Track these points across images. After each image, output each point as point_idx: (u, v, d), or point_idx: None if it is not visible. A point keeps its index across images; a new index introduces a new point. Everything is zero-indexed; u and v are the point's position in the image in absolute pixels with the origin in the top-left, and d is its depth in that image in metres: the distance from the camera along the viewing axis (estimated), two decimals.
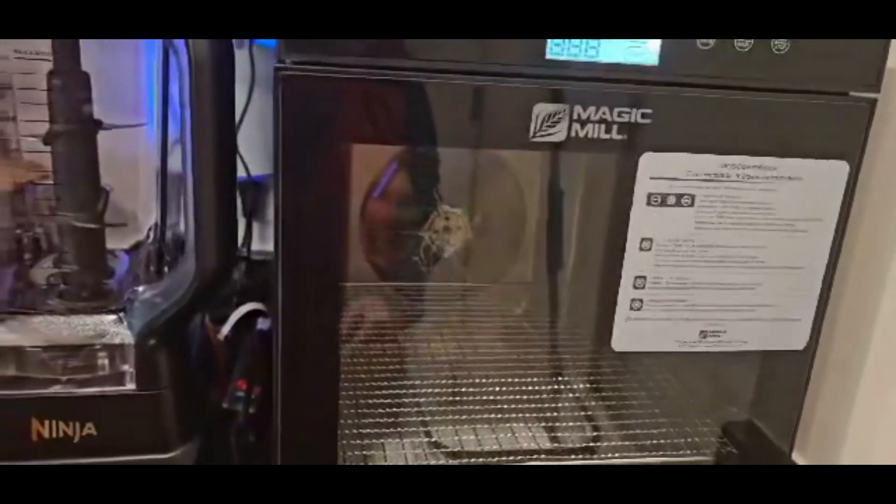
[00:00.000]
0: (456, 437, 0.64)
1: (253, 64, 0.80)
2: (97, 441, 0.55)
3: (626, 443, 0.66)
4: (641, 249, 0.54)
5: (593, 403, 0.72)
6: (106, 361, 0.55)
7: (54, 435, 0.54)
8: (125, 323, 0.55)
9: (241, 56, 0.78)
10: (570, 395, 0.73)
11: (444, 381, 0.71)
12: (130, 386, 0.55)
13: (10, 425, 0.54)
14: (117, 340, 0.55)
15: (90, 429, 0.55)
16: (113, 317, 0.56)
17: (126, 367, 0.56)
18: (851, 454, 0.65)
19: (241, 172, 0.82)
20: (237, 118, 0.79)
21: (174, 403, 0.57)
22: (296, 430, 0.54)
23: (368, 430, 0.63)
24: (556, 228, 0.82)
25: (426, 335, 0.80)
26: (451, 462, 0.63)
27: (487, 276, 0.88)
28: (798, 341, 0.59)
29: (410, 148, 0.78)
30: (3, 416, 0.54)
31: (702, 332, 0.57)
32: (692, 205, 0.54)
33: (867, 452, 0.63)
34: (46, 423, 0.54)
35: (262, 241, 0.91)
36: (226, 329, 0.77)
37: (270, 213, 0.87)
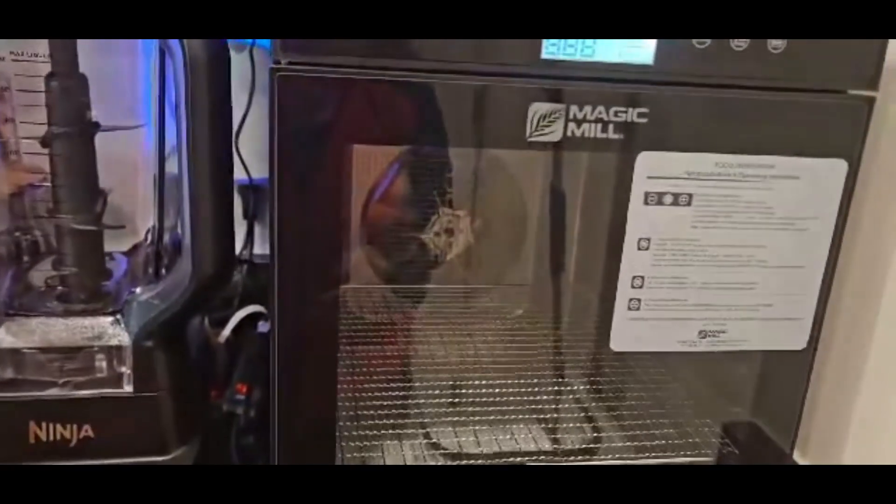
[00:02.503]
0: (455, 440, 0.64)
1: (254, 66, 0.80)
2: (94, 443, 0.55)
3: (627, 444, 0.66)
4: (639, 249, 0.54)
5: (594, 405, 0.71)
6: (103, 363, 0.55)
7: (52, 437, 0.54)
8: (122, 325, 0.55)
9: (242, 59, 0.78)
10: (571, 396, 0.72)
11: (444, 384, 0.70)
12: (128, 388, 0.55)
13: (8, 428, 0.54)
14: (114, 342, 0.55)
15: (87, 431, 0.55)
16: (110, 318, 0.56)
17: (123, 369, 0.56)
18: (853, 454, 0.64)
19: (242, 175, 0.83)
20: (238, 121, 0.80)
21: (172, 406, 0.57)
22: (293, 432, 0.54)
23: (367, 433, 0.63)
24: (559, 230, 0.82)
25: (426, 337, 0.80)
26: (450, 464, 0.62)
27: (488, 277, 0.88)
28: (798, 341, 0.58)
29: (411, 150, 0.78)
30: (1, 419, 0.54)
31: (701, 331, 0.57)
32: (689, 204, 0.53)
33: (868, 452, 0.63)
34: (44, 425, 0.54)
35: (265, 245, 0.91)
36: (226, 331, 0.77)
37: None
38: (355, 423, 0.63)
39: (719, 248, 0.55)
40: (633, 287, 0.55)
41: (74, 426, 0.55)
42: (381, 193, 0.81)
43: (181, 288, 0.53)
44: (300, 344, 0.52)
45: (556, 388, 0.73)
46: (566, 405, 0.72)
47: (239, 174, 0.82)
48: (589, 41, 0.49)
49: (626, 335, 0.56)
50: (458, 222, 0.82)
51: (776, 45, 0.50)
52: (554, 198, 0.80)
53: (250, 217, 0.90)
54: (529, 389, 0.71)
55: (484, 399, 0.69)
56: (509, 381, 0.71)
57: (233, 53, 0.76)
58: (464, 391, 0.70)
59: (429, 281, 0.85)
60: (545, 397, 0.71)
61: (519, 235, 0.87)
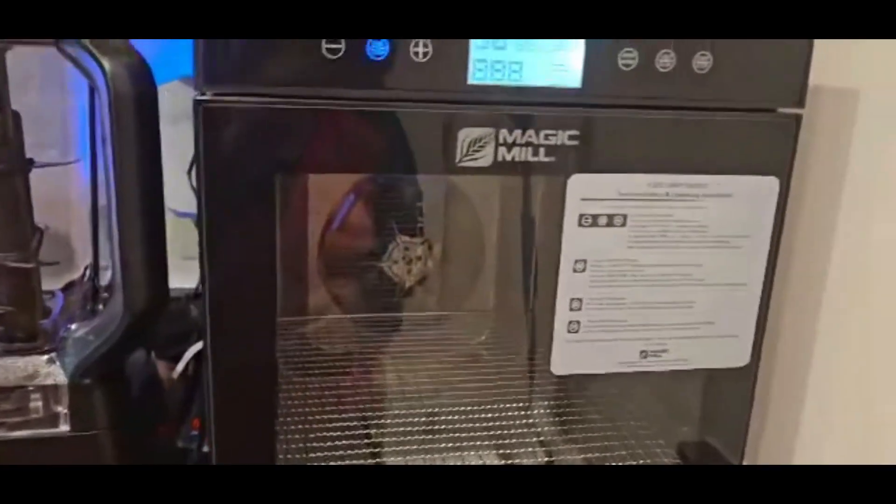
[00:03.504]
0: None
1: None
2: None
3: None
4: (575, 271, 0.54)
5: (548, 429, 0.71)
6: (39, 403, 0.55)
7: None
8: (58, 363, 0.55)
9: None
10: (525, 420, 0.72)
11: (397, 412, 0.70)
12: (64, 427, 0.54)
13: None
14: (50, 381, 0.54)
15: None
16: (45, 357, 0.55)
17: (60, 409, 0.55)
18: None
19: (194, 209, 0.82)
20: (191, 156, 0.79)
21: (112, 444, 0.56)
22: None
23: (316, 464, 0.62)
24: (525, 254, 0.82)
25: (382, 366, 0.79)
26: None
27: (448, 304, 0.88)
28: (740, 358, 0.58)
29: (366, 179, 0.78)
30: None
31: (642, 351, 0.57)
32: (624, 224, 0.54)
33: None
34: None
35: None
36: (180, 366, 0.76)
37: None
38: (304, 456, 0.63)
39: (656, 267, 0.55)
40: (571, 309, 0.55)
41: None
42: (337, 223, 0.81)
43: (115, 323, 0.53)
44: (235, 379, 0.51)
45: (509, 412, 0.73)
46: (520, 430, 0.71)
47: (192, 208, 0.81)
48: (515, 66, 0.49)
49: (567, 358, 0.56)
50: (415, 250, 0.82)
51: (702, 65, 0.51)
52: (522, 222, 0.80)
53: None
54: (484, 416, 0.71)
55: (436, 426, 0.68)
56: (464, 409, 0.71)
57: (187, 88, 0.76)
58: (415, 419, 0.69)
59: (388, 310, 0.84)
60: (499, 423, 0.70)
61: (478, 261, 0.87)
